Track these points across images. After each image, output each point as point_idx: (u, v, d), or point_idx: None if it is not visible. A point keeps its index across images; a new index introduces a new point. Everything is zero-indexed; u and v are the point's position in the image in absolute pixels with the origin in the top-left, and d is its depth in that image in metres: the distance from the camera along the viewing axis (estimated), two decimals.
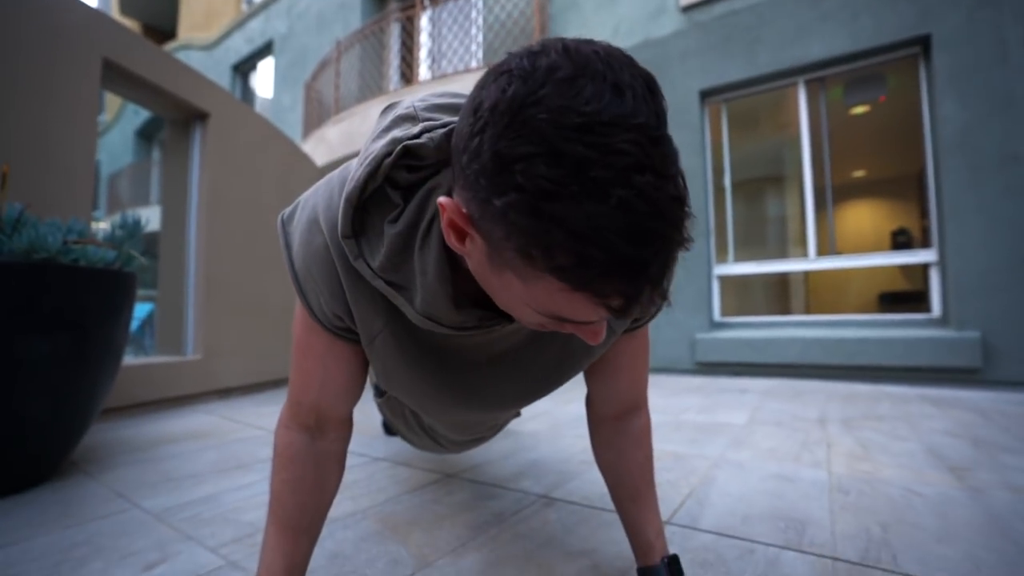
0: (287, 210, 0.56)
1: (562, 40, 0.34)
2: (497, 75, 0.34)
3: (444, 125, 0.45)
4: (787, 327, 3.48)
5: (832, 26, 3.29)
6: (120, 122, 12.96)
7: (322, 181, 0.54)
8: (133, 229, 1.43)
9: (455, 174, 0.38)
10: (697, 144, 3.78)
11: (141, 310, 5.40)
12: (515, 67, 0.33)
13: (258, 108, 9.07)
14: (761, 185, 5.53)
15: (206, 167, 2.53)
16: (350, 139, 5.00)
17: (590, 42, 0.34)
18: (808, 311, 5.58)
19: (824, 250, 3.53)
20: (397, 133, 0.45)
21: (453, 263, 0.46)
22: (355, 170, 0.46)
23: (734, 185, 3.94)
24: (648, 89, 0.33)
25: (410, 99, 0.50)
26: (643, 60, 3.99)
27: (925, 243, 3.19)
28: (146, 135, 12.47)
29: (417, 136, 0.44)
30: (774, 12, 3.50)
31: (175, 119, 2.56)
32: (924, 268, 3.11)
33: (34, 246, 1.07)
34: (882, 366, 2.92)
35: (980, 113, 2.80)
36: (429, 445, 0.96)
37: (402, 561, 0.80)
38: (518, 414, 1.04)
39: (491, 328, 0.51)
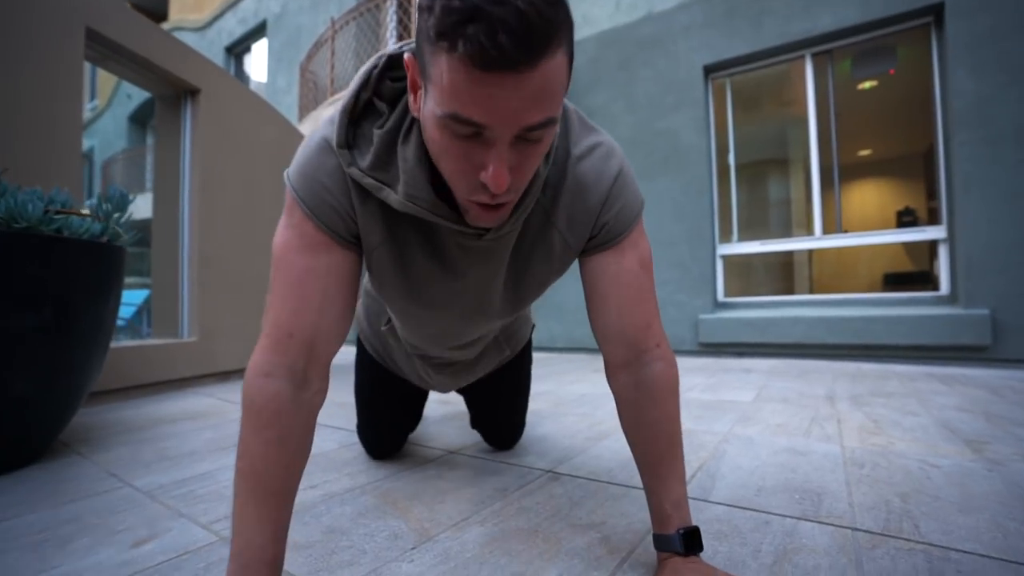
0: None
1: None
2: None
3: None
4: (791, 307, 3.44)
5: None
6: (112, 108, 12.79)
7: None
8: (120, 202, 1.38)
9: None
10: (701, 121, 3.70)
11: (137, 296, 5.36)
12: None
13: (252, 88, 8.92)
14: (766, 167, 5.44)
15: (198, 145, 2.47)
16: None
17: None
18: (812, 292, 5.54)
19: (831, 229, 3.47)
20: (383, 51, 0.56)
21: (432, 168, 0.55)
22: (348, 88, 0.59)
23: (739, 167, 3.86)
24: None
25: None
26: (646, 35, 3.91)
27: (932, 222, 3.13)
28: (139, 120, 12.31)
29: (399, 49, 0.55)
30: None
31: (165, 95, 2.49)
32: (932, 246, 3.06)
33: (12, 215, 1.02)
34: (889, 345, 2.88)
35: (995, 84, 2.72)
36: (416, 377, 1.03)
37: (402, 535, 0.77)
38: (503, 351, 1.02)
39: (465, 228, 0.57)
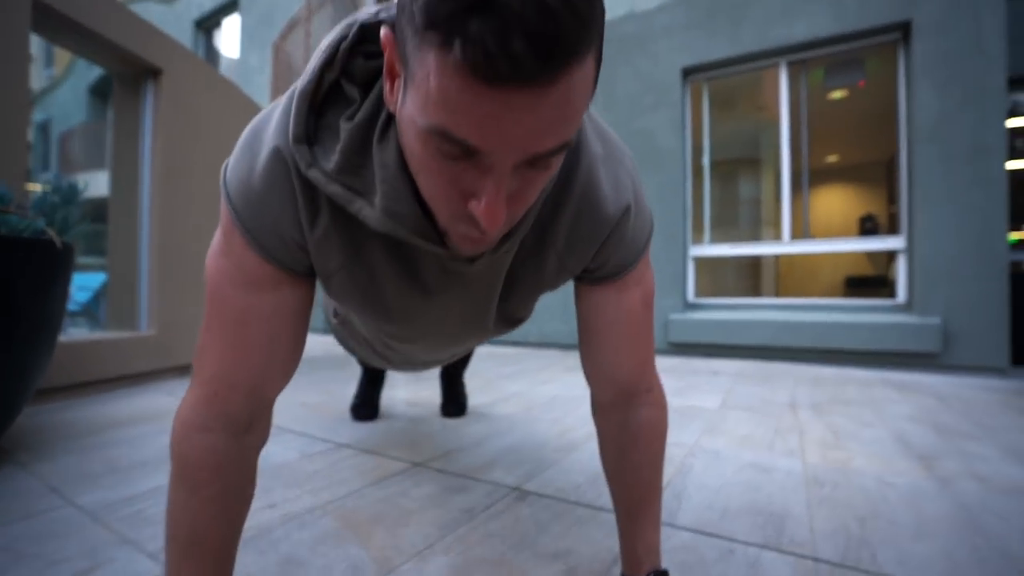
0: (237, 144, 0.49)
1: None
2: None
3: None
4: (759, 310, 3.52)
5: (817, 7, 3.23)
6: (71, 77, 12.08)
7: (270, 106, 0.49)
8: (68, 195, 1.29)
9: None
10: (677, 122, 3.72)
11: (94, 280, 5.10)
12: None
13: (223, 69, 8.54)
14: (736, 166, 5.54)
15: (160, 130, 2.33)
16: None
17: None
18: (779, 292, 5.70)
19: (798, 233, 3.56)
20: (353, 18, 0.43)
21: None
22: (309, 65, 0.43)
23: (712, 165, 3.92)
24: None
25: None
26: (627, 33, 3.89)
27: (892, 229, 3.24)
28: (100, 93, 11.67)
29: (375, 16, 0.42)
30: None
31: (123, 74, 2.34)
32: (891, 255, 3.17)
33: None
34: (848, 350, 2.98)
35: (954, 102, 2.81)
36: (385, 364, 0.99)
37: (362, 567, 0.74)
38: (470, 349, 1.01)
39: (448, 254, 0.48)
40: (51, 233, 1.13)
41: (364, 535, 0.84)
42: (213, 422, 0.48)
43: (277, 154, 0.44)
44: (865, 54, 3.35)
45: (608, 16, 4.03)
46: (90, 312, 5.15)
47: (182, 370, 2.47)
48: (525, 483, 1.09)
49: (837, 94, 4.23)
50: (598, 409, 0.65)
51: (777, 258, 5.48)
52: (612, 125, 3.94)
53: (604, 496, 1.01)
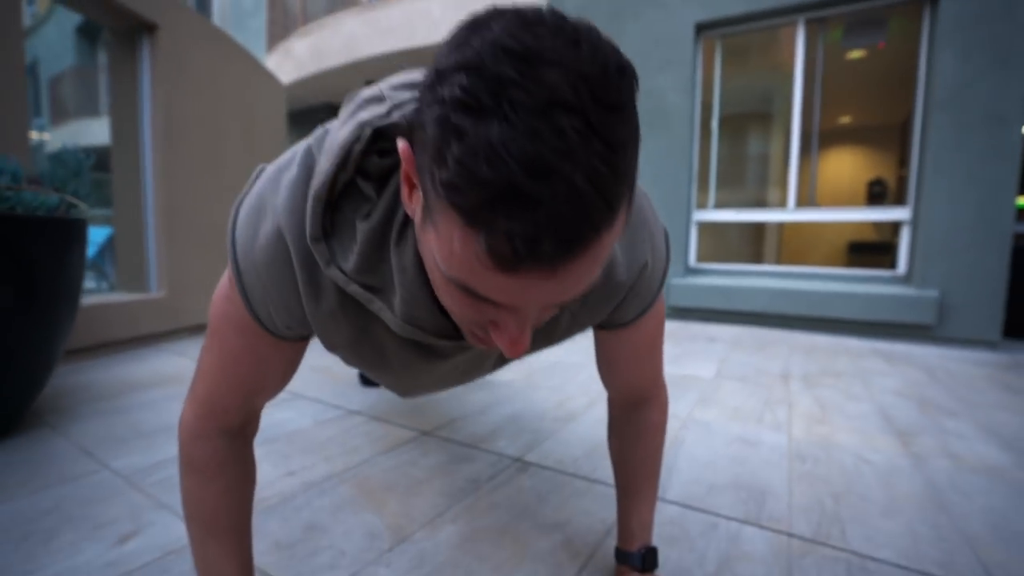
0: (243, 200, 0.47)
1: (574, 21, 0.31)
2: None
3: (415, 99, 0.40)
4: (758, 277, 3.56)
5: None
6: (55, 15, 11.57)
7: (275, 167, 0.47)
8: (76, 167, 1.30)
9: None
10: (687, 81, 3.61)
11: (99, 234, 5.12)
12: (514, 10, 0.30)
13: (216, 9, 8.18)
14: (746, 121, 5.41)
15: (159, 87, 2.29)
16: (319, 55, 4.60)
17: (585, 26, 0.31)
18: (781, 256, 5.71)
19: (804, 200, 3.54)
20: (364, 116, 0.41)
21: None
22: (321, 163, 0.41)
23: (721, 120, 3.83)
24: (620, 67, 0.29)
25: (377, 82, 0.45)
26: None
27: (900, 194, 3.21)
28: (89, 33, 11.22)
29: (387, 114, 0.40)
30: None
31: (117, 29, 2.27)
32: (896, 226, 3.17)
33: None
34: (843, 319, 3.04)
35: (976, 68, 2.73)
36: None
37: (378, 534, 0.82)
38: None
39: (463, 343, 0.49)
40: (77, 203, 1.16)
41: (378, 503, 0.92)
42: (211, 431, 0.54)
43: (279, 235, 0.44)
44: (889, 13, 3.21)
45: None
46: (97, 267, 5.19)
47: (191, 330, 2.54)
48: (526, 454, 1.16)
49: (856, 54, 4.08)
50: (611, 406, 0.72)
51: (781, 226, 5.46)
52: None
53: (599, 469, 1.08)
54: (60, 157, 1.28)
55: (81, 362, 1.94)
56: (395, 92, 0.43)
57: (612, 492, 0.98)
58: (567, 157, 0.26)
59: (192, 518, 0.55)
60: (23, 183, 1.14)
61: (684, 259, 3.70)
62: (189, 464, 0.55)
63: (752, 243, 5.55)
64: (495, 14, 0.30)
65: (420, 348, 0.51)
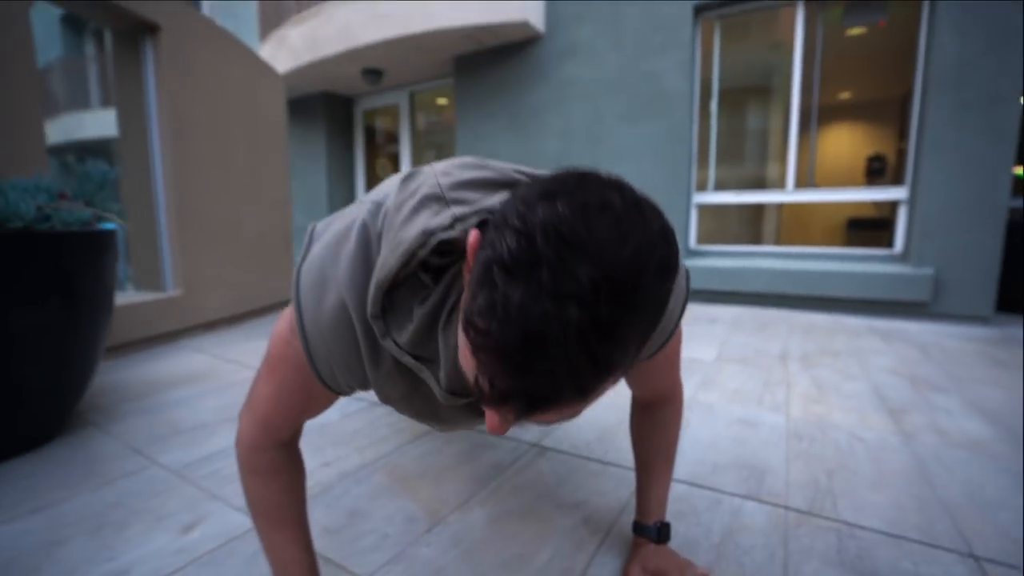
0: (306, 263, 0.53)
1: (619, 181, 0.36)
2: (567, 174, 0.37)
3: (476, 212, 0.45)
4: (758, 257, 3.62)
5: None
6: (38, 6, 11.34)
7: (332, 235, 0.53)
8: (102, 181, 1.35)
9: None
10: (686, 63, 3.62)
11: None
12: (588, 190, 0.34)
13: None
14: (745, 95, 5.39)
15: (164, 89, 2.32)
16: (315, 44, 4.57)
17: (638, 194, 0.36)
18: (781, 233, 5.76)
19: (803, 180, 3.58)
20: (428, 222, 0.45)
21: None
22: (385, 254, 0.46)
23: (720, 95, 3.84)
24: (661, 267, 0.33)
25: (431, 171, 0.50)
26: None
27: (899, 169, 3.25)
28: (74, 24, 11.03)
29: (450, 226, 0.45)
30: None
31: (119, 30, 2.29)
32: (894, 205, 3.22)
33: (6, 216, 1.02)
34: (842, 298, 3.11)
35: (976, 47, 2.74)
36: None
37: (416, 518, 0.91)
38: None
39: None
40: (106, 215, 1.22)
41: (412, 489, 1.01)
42: (267, 445, 0.62)
43: (343, 307, 0.50)
44: None
45: None
46: None
47: (206, 326, 2.62)
48: (543, 439, 1.25)
49: (855, 31, 4.06)
50: (635, 404, 0.81)
51: (780, 207, 5.48)
52: (620, 67, 3.83)
53: (611, 452, 1.17)
54: (87, 172, 1.34)
55: (113, 361, 2.02)
56: (453, 193, 0.47)
57: (624, 473, 1.06)
58: (561, 347, 0.30)
59: (258, 514, 0.64)
60: (57, 200, 1.20)
61: (685, 241, 3.76)
62: (251, 470, 0.63)
63: (751, 223, 5.59)
64: (574, 187, 0.34)
65: (465, 403, 0.57)
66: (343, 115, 5.73)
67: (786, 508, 0.93)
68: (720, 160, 3.96)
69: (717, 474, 1.06)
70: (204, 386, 1.70)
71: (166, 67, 2.31)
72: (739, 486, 1.01)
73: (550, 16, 4.10)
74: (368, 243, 0.50)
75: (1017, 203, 3.26)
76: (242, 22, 6.49)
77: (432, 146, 5.72)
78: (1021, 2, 2.62)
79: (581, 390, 0.33)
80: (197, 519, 0.90)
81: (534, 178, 0.47)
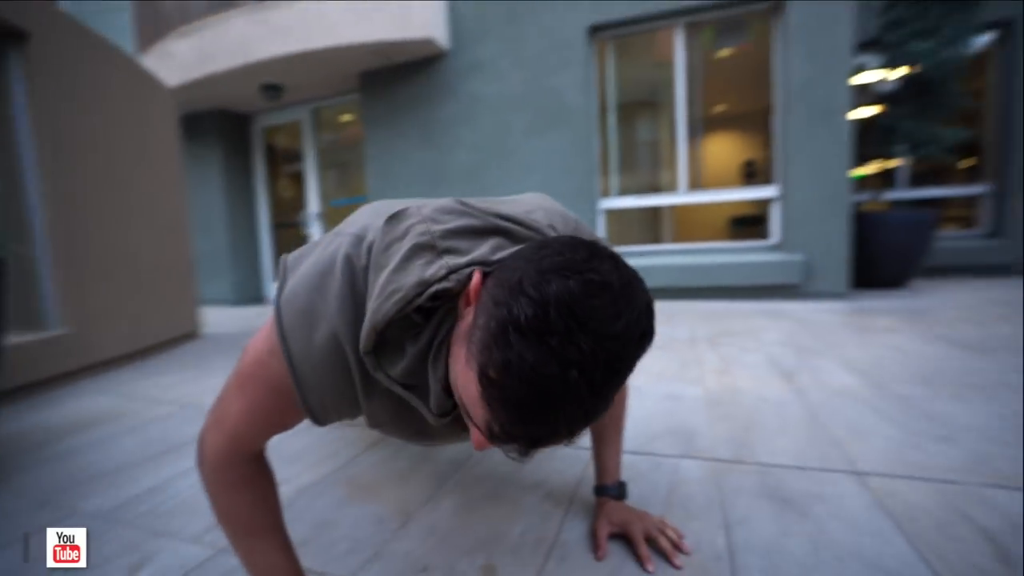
0: (287, 294, 0.55)
1: (615, 257, 0.44)
2: (573, 249, 0.43)
3: (469, 263, 0.49)
4: (660, 255, 3.97)
5: None
6: None
7: (314, 268, 0.55)
8: None
9: (494, 270, 0.47)
10: (584, 80, 3.89)
11: None
12: (593, 269, 0.41)
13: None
14: (637, 110, 5.88)
15: (37, 102, 2.08)
16: (207, 57, 4.28)
17: (632, 273, 0.44)
18: (677, 233, 6.32)
19: (694, 183, 3.99)
20: (424, 273, 0.49)
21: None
22: (378, 297, 0.49)
23: (617, 111, 4.17)
24: (643, 334, 0.42)
25: (418, 215, 0.53)
26: None
27: (768, 172, 3.75)
28: None
29: (445, 277, 0.49)
30: None
31: None
32: (767, 202, 3.70)
33: None
34: (733, 286, 3.51)
35: (816, 69, 3.27)
36: None
37: (385, 518, 0.92)
38: None
39: None
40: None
41: (375, 495, 1.02)
42: (238, 460, 0.62)
43: (335, 340, 0.52)
44: (750, 18, 3.71)
45: None
46: None
47: (106, 364, 2.35)
48: None
49: (725, 52, 4.62)
50: None
51: (674, 208, 6.04)
52: (524, 82, 4.03)
53: None
54: None
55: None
56: (444, 242, 0.51)
57: (574, 454, 1.15)
58: (564, 402, 0.39)
59: (236, 527, 0.63)
60: None
61: None
62: (223, 484, 0.62)
63: (650, 225, 6.08)
64: (582, 264, 0.41)
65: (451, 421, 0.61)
66: (240, 133, 5.39)
67: (715, 460, 1.07)
68: (621, 168, 4.30)
69: (655, 441, 1.19)
70: (115, 427, 1.55)
71: (39, 79, 2.08)
72: (674, 448, 1.14)
73: (454, 34, 4.21)
74: (354, 276, 0.53)
75: (862, 198, 3.90)
76: (116, 32, 5.90)
77: (338, 164, 5.56)
78: (843, 29, 3.17)
79: (572, 433, 0.42)
80: (144, 558, 0.85)
81: (538, 238, 0.54)
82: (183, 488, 1.10)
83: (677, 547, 0.77)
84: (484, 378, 0.40)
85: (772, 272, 3.38)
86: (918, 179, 4.22)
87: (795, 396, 1.46)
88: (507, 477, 1.06)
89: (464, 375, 0.44)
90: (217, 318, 3.97)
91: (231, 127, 5.26)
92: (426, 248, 0.50)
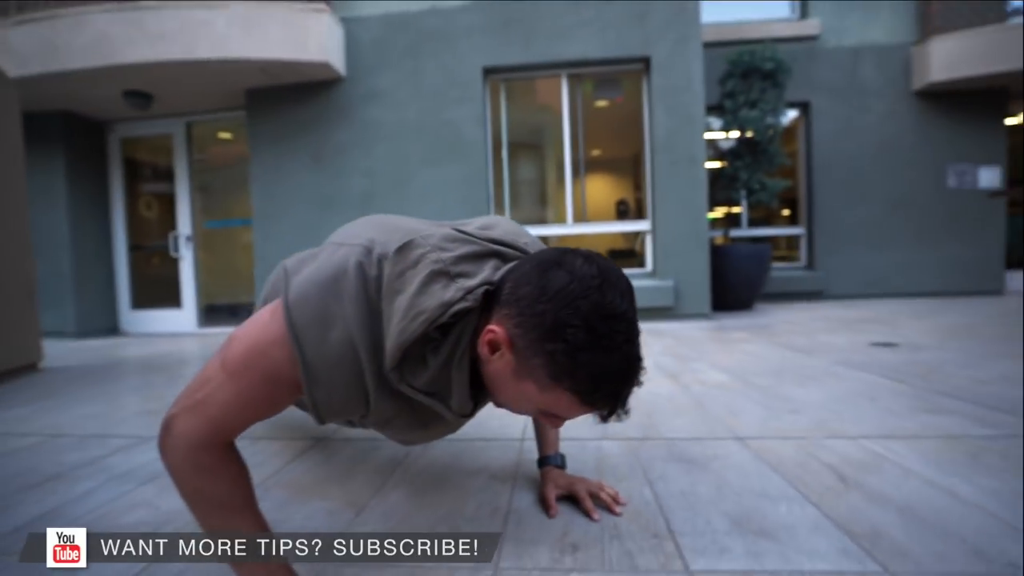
0: (295, 294, 0.59)
1: (596, 258, 0.61)
2: (558, 266, 0.58)
3: (480, 284, 0.61)
4: None
5: (588, 33, 3.99)
6: None
7: (327, 274, 0.60)
8: None
9: (504, 311, 0.60)
10: (479, 116, 4.14)
11: None
12: (576, 269, 0.57)
13: None
14: (528, 151, 6.34)
15: None
16: (54, 52, 3.75)
17: (606, 260, 0.60)
18: None
19: (579, 216, 4.40)
20: (443, 295, 0.58)
21: (473, 369, 0.66)
22: (402, 319, 0.57)
23: (509, 151, 4.47)
24: (631, 295, 0.60)
25: (427, 244, 0.62)
26: (431, 27, 4.12)
27: (640, 213, 4.29)
28: None
29: (463, 298, 0.59)
30: (545, 8, 4.02)
31: None
32: (641, 234, 4.22)
33: None
34: None
35: (677, 122, 3.88)
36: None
37: (337, 511, 0.93)
38: None
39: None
40: None
41: (319, 493, 1.01)
42: (216, 444, 0.61)
43: (350, 343, 0.58)
44: (623, 76, 4.29)
45: (412, 8, 4.17)
46: None
47: None
48: None
49: (603, 103, 5.24)
50: None
51: (562, 237, 6.54)
52: (421, 112, 4.16)
53: (487, 431, 1.34)
54: None
55: None
56: (456, 267, 0.61)
57: (506, 443, 1.24)
58: (633, 364, 0.58)
59: (212, 507, 0.62)
60: None
61: None
62: (198, 468, 0.61)
63: None
64: (601, 279, 0.57)
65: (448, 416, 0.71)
66: (91, 142, 4.73)
67: (629, 439, 1.24)
68: (513, 202, 4.58)
69: (577, 429, 1.32)
70: None
71: None
72: (593, 433, 1.29)
73: (351, 61, 4.22)
74: (367, 282, 0.60)
75: (715, 234, 4.61)
76: None
77: (216, 184, 5.13)
78: (697, 92, 3.84)
79: (639, 376, 0.61)
80: None
81: (523, 256, 0.69)
82: (79, 512, 0.97)
83: (615, 500, 0.90)
84: (580, 393, 0.57)
85: (649, 296, 3.83)
86: (754, 222, 5.13)
87: (682, 390, 1.71)
88: (449, 467, 1.11)
89: (546, 398, 0.59)
90: (57, 351, 3.36)
91: (80, 135, 4.60)
92: (441, 274, 0.60)
